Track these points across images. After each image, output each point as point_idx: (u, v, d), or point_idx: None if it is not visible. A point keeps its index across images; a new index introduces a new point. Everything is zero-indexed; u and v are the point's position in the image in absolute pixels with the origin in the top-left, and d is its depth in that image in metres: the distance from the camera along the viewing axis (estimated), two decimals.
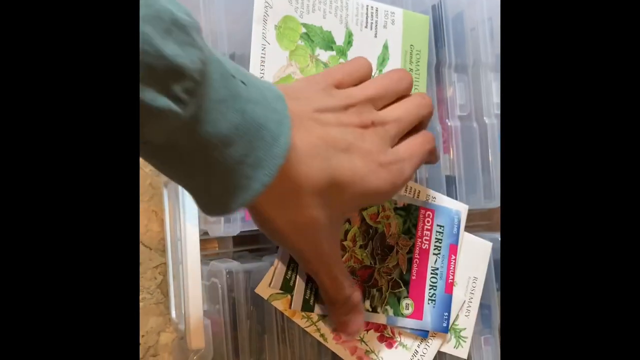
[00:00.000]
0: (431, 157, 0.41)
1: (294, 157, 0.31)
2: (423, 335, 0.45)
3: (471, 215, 0.52)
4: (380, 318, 0.43)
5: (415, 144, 0.38)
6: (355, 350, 0.44)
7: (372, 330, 0.45)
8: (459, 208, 0.46)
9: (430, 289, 0.44)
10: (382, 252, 0.43)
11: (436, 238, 0.44)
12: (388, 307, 0.43)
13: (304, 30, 0.42)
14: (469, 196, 0.48)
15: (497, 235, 0.49)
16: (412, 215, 0.42)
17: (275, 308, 0.42)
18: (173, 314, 0.49)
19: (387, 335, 0.45)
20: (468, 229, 0.47)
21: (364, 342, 0.44)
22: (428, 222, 0.44)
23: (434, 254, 0.44)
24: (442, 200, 0.45)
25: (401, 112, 0.38)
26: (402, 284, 0.44)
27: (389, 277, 0.43)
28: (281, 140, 0.30)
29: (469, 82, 0.49)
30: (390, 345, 0.45)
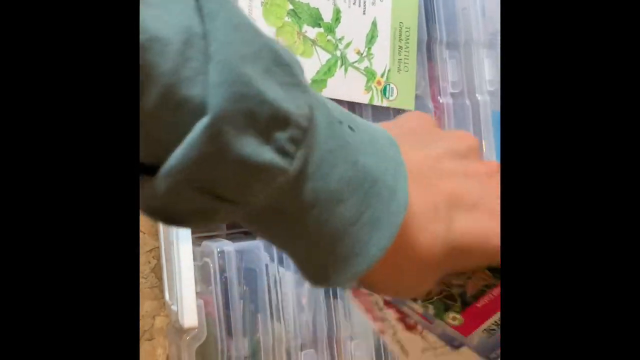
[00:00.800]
0: None
1: (408, 218, 0.26)
2: (452, 343, 0.38)
3: None
4: (416, 308, 0.37)
5: None
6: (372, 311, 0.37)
7: (391, 311, 0.37)
8: None
9: (494, 322, 0.35)
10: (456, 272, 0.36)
11: None
12: (430, 305, 0.36)
13: (290, 6, 0.42)
14: None
15: None
16: None
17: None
18: (167, 296, 0.49)
19: (409, 323, 0.38)
20: None
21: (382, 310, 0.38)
22: None
23: None
24: None
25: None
26: (457, 300, 0.35)
27: (446, 287, 0.35)
28: (399, 194, 0.25)
29: (461, 59, 0.49)
30: (409, 328, 0.38)
